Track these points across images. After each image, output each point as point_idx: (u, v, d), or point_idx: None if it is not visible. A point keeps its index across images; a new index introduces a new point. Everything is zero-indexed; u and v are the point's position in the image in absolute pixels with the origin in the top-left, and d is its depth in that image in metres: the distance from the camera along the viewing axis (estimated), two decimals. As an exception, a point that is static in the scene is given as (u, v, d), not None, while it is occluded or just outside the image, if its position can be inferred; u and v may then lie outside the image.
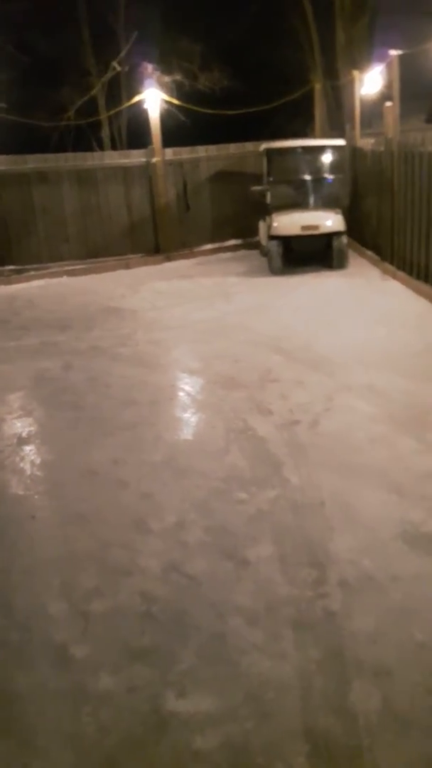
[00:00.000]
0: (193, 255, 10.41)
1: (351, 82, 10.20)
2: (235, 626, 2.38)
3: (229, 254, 10.39)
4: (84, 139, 13.10)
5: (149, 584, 2.62)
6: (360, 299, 7.01)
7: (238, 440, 3.87)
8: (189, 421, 4.31)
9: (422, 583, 2.52)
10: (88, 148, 12.60)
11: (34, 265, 9.55)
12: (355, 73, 10.04)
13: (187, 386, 4.88)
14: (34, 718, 2.05)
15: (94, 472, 3.57)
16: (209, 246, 10.54)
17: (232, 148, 10.25)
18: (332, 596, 2.49)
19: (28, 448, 3.95)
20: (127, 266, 9.92)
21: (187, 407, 4.53)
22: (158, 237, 10.31)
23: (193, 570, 2.69)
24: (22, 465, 3.72)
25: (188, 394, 4.75)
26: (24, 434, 4.15)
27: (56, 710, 2.08)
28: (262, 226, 9.40)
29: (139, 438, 4.00)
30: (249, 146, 10.42)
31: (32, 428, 4.27)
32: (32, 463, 3.75)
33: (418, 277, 7.08)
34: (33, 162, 9.53)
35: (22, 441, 4.05)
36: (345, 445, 3.71)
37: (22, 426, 4.29)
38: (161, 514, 3.12)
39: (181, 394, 4.79)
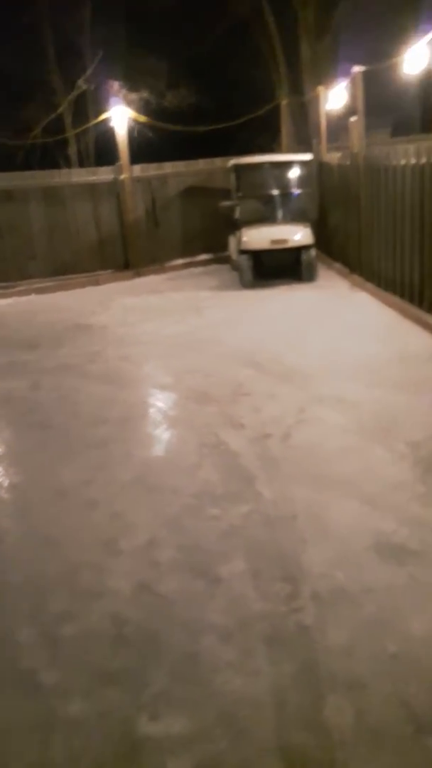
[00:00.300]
0: (163, 270, 10.43)
1: (316, 98, 10.37)
2: (208, 644, 2.35)
3: (200, 269, 10.43)
4: (50, 156, 13.10)
5: (120, 606, 2.58)
6: (329, 311, 7.08)
7: (211, 455, 3.85)
8: (160, 437, 4.29)
9: (394, 595, 2.52)
10: (55, 166, 12.59)
11: (1, 284, 9.46)
12: (321, 88, 10.22)
13: (159, 402, 4.86)
14: (2, 749, 1.99)
15: (63, 493, 3.52)
16: (180, 261, 10.58)
17: (201, 164, 10.33)
18: (305, 610, 2.48)
19: (-4, 470, 3.88)
20: (97, 282, 9.89)
21: (159, 423, 4.50)
22: (128, 253, 10.32)
23: (165, 589, 2.66)
24: (-11, 487, 3.66)
25: (159, 410, 4.73)
26: (-9, 456, 4.09)
27: (24, 739, 2.02)
28: (232, 240, 9.46)
29: (110, 456, 3.96)
30: (217, 162, 10.52)
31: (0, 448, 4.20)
32: (0, 485, 3.68)
33: (386, 288, 7.18)
34: (-2, 180, 9.48)
35: (-11, 463, 3.99)
36: (317, 457, 3.72)
37: (-11, 447, 4.23)
38: (132, 534, 3.08)
39: (152, 410, 4.77)
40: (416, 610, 2.43)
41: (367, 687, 2.11)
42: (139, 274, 10.20)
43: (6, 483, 3.71)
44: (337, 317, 6.77)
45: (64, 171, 11.48)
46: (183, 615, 2.51)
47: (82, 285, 9.77)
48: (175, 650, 2.34)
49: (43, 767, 1.93)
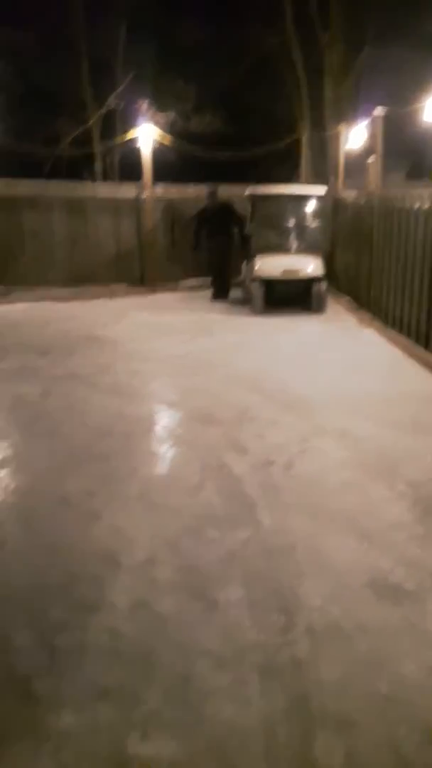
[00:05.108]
0: (177, 289, 10.55)
1: (337, 136, 10.59)
2: (202, 669, 2.37)
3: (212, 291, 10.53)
4: (77, 169, 13.32)
5: (117, 621, 2.60)
6: (336, 344, 7.16)
7: (213, 477, 3.89)
8: (164, 455, 4.32)
9: (388, 636, 2.54)
10: (80, 179, 12.80)
11: (19, 289, 9.56)
12: (341, 127, 10.43)
13: (164, 419, 4.91)
14: (-8, 756, 2.01)
15: (67, 502, 3.55)
16: (193, 282, 10.69)
17: (220, 190, 10.46)
18: (299, 644, 2.49)
19: (2, 474, 3.91)
20: (112, 296, 10.00)
21: (163, 441, 4.54)
22: (144, 269, 10.46)
23: (162, 609, 2.68)
24: (-7, 491, 3.69)
25: (165, 427, 4.77)
26: (-2, 459, 4.13)
27: (15, 747, 2.03)
28: (245, 267, 9.60)
29: (114, 470, 3.99)
30: (236, 189, 10.67)
31: (7, 453, 4.24)
32: (5, 489, 3.71)
33: (393, 327, 7.27)
34: (24, 187, 9.65)
35: (-5, 466, 4.02)
36: (317, 489, 3.75)
37: (-5, 451, 4.27)
38: (132, 550, 3.11)
39: (157, 427, 4.81)
40: (409, 653, 2.44)
41: (357, 726, 2.12)
42: (153, 291, 10.31)
43: (12, 487, 3.74)
44: (344, 351, 6.85)
45: (89, 184, 11.68)
46: (178, 636, 2.53)
47: (97, 296, 9.87)
48: (169, 671, 2.35)
49: (32, 777, 1.94)
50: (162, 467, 4.13)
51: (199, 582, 2.86)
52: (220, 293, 10.05)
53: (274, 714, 2.17)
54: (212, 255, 10.04)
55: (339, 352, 6.84)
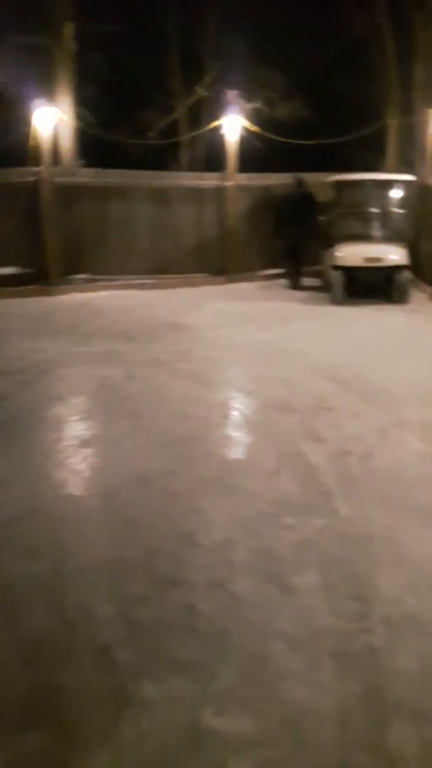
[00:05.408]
0: (255, 278, 10.54)
1: (426, 120, 10.20)
2: (276, 651, 2.39)
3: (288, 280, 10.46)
4: (163, 158, 13.49)
5: (194, 598, 2.66)
6: (419, 336, 6.97)
7: (289, 465, 3.89)
8: (241, 440, 4.36)
9: (469, 630, 2.47)
10: (165, 168, 12.97)
11: (105, 276, 9.85)
12: (430, 111, 10.04)
13: (241, 406, 4.95)
14: (77, 714, 2.11)
15: (147, 481, 3.66)
16: (272, 271, 10.64)
17: (304, 178, 10.33)
18: (375, 632, 2.47)
19: (87, 451, 4.08)
20: (191, 284, 10.12)
21: (240, 427, 4.58)
22: (224, 258, 10.50)
23: (238, 589, 2.72)
24: (80, 466, 3.86)
25: (241, 413, 4.81)
26: (85, 437, 4.30)
27: (98, 709, 2.13)
28: (326, 256, 9.46)
29: (192, 452, 4.07)
30: (320, 177, 10.52)
31: (92, 432, 4.41)
32: (90, 466, 3.87)
33: None
34: (112, 177, 9.89)
35: (82, 443, 4.19)
36: (397, 481, 3.68)
37: (83, 429, 4.46)
38: (209, 530, 3.17)
39: (234, 413, 4.85)
40: None
41: (434, 719, 2.09)
42: (231, 280, 10.35)
43: (96, 464, 3.89)
44: (426, 343, 6.65)
45: (174, 174, 11.83)
46: (253, 617, 2.56)
47: (177, 285, 10.03)
48: (244, 651, 2.39)
49: (113, 738, 2.03)
50: (238, 452, 4.17)
51: (275, 566, 2.88)
52: (296, 282, 9.98)
53: (349, 699, 2.17)
54: (289, 243, 9.97)
55: (420, 343, 6.65)
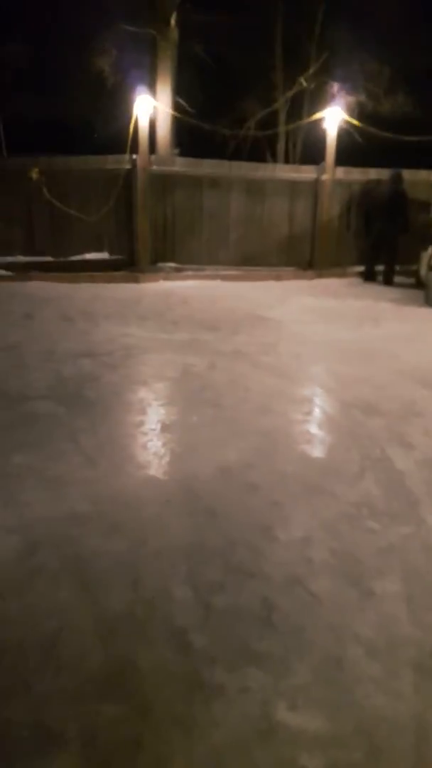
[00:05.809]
0: (345, 275, 10.32)
1: None
2: (354, 654, 2.33)
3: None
4: (259, 149, 13.45)
5: (271, 591, 2.63)
6: None
7: (374, 468, 3.78)
8: (323, 439, 4.28)
9: None
10: (262, 159, 12.92)
11: (193, 266, 9.93)
12: None
13: (324, 404, 4.85)
14: (151, 693, 2.13)
15: (227, 471, 3.65)
16: (363, 268, 10.39)
17: (405, 174, 10.03)
18: (460, 649, 2.36)
19: (170, 436, 4.12)
20: (279, 278, 10.04)
21: (322, 425, 4.49)
22: (314, 253, 10.34)
23: (316, 588, 2.67)
24: (162, 451, 3.90)
25: (324, 412, 4.71)
26: (167, 422, 4.35)
27: (171, 690, 2.15)
28: (423, 256, 9.14)
29: (273, 446, 4.03)
30: (422, 174, 10.19)
31: (175, 418, 4.45)
32: (172, 451, 3.91)
33: None
34: (207, 167, 9.93)
35: (164, 428, 4.24)
36: None
37: (166, 414, 4.50)
38: (288, 526, 3.13)
39: (316, 410, 4.76)
40: None
41: None
42: (320, 276, 10.18)
43: (178, 450, 3.93)
44: None
45: (269, 165, 11.76)
46: (331, 618, 2.50)
47: (264, 278, 9.97)
48: (320, 650, 2.34)
49: (184, 722, 2.04)
50: (320, 451, 4.09)
51: (356, 569, 2.80)
52: (389, 279, 9.72)
53: (428, 712, 2.08)
54: (375, 239, 9.72)
55: None
